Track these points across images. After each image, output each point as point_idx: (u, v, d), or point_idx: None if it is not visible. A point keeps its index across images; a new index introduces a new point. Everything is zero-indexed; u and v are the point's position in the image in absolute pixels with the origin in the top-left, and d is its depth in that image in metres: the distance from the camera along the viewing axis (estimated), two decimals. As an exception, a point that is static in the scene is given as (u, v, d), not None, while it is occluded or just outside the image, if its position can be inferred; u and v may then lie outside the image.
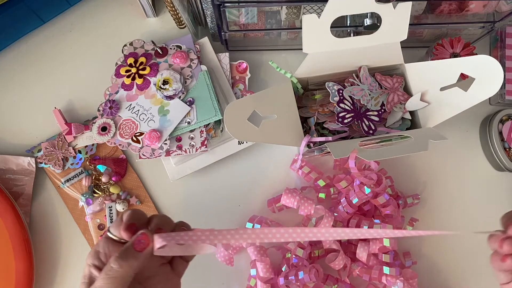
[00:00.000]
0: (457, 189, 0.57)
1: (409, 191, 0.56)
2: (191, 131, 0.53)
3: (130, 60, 0.55)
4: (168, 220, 0.36)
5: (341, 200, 0.49)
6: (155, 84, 0.53)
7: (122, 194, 0.55)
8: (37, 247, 0.54)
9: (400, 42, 0.46)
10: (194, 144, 0.53)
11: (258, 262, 0.47)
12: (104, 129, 0.53)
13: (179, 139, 0.53)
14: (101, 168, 0.55)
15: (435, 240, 0.55)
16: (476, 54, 0.54)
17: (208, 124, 0.53)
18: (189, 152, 0.53)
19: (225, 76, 0.56)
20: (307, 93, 0.49)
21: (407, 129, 0.48)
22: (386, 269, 0.46)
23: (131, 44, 0.56)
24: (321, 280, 0.48)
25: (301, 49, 0.45)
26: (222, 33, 0.54)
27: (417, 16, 0.52)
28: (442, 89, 0.45)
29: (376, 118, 0.46)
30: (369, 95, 0.47)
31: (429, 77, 0.46)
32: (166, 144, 0.52)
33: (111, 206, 0.54)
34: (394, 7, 0.43)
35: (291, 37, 0.58)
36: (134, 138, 0.52)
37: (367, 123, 0.46)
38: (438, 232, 0.33)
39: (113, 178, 0.55)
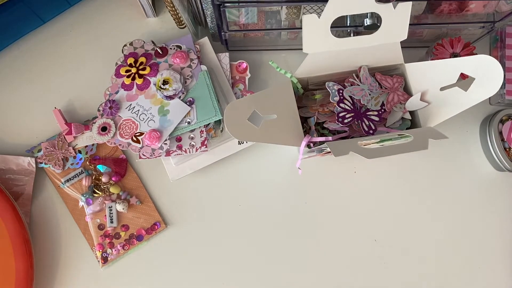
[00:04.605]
0: (457, 189, 0.57)
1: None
2: (191, 131, 0.53)
3: (130, 60, 0.55)
4: None
5: None
6: (155, 84, 0.53)
7: (122, 194, 0.55)
8: (37, 247, 0.54)
9: (400, 42, 0.46)
10: (194, 144, 0.53)
11: None
12: (104, 129, 0.53)
13: (179, 139, 0.53)
14: (101, 168, 0.55)
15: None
16: (476, 54, 0.54)
17: (208, 124, 0.53)
18: (189, 152, 0.52)
19: (225, 76, 0.56)
20: (307, 93, 0.49)
21: (407, 129, 0.48)
22: None
23: (131, 44, 0.56)
24: None
25: (301, 49, 0.45)
26: (222, 33, 0.54)
27: (417, 16, 0.52)
28: (442, 89, 0.45)
29: (376, 118, 0.46)
30: (369, 95, 0.47)
31: (429, 77, 0.46)
32: (166, 144, 0.52)
33: (111, 206, 0.54)
34: (394, 7, 0.43)
35: (291, 37, 0.58)
36: (134, 138, 0.52)
37: (367, 123, 0.46)
38: None
39: (113, 178, 0.55)
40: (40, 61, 0.60)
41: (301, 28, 0.47)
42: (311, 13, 0.48)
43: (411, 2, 0.43)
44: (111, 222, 0.54)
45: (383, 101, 0.47)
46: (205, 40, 0.57)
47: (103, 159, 0.56)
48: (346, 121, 0.45)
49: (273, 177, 0.57)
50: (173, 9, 0.55)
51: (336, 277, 0.54)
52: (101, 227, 0.54)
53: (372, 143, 0.44)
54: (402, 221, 0.56)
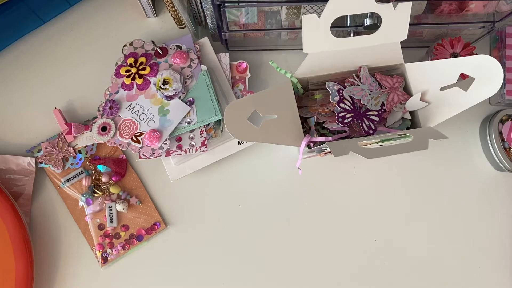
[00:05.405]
0: (457, 189, 0.57)
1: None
2: (191, 131, 0.53)
3: (130, 60, 0.55)
4: None
5: None
6: (155, 84, 0.53)
7: (122, 194, 0.55)
8: (37, 247, 0.54)
9: (400, 42, 0.46)
10: (194, 144, 0.53)
11: None
12: (104, 129, 0.53)
13: (179, 139, 0.53)
14: (101, 168, 0.55)
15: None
16: (476, 54, 0.54)
17: (208, 124, 0.53)
18: (189, 152, 0.52)
19: (225, 76, 0.56)
20: (307, 93, 0.49)
21: (407, 129, 0.48)
22: None
23: (131, 44, 0.56)
24: None
25: (301, 49, 0.45)
26: (222, 33, 0.54)
27: (417, 16, 0.52)
28: (442, 89, 0.45)
29: (376, 118, 0.46)
30: (369, 95, 0.47)
31: (429, 77, 0.46)
32: (166, 144, 0.52)
33: (111, 206, 0.54)
34: (394, 7, 0.43)
35: (291, 37, 0.58)
36: (134, 138, 0.52)
37: (367, 123, 0.46)
38: None
39: (113, 178, 0.55)
40: (40, 61, 0.60)
41: (301, 28, 0.47)
42: (311, 13, 0.48)
43: (411, 2, 0.43)
44: (111, 222, 0.54)
45: (383, 101, 0.47)
46: (205, 40, 0.57)
47: (103, 159, 0.56)
48: (346, 121, 0.45)
49: (273, 177, 0.57)
50: (173, 9, 0.55)
51: (336, 276, 0.54)
52: (101, 227, 0.54)
53: (372, 143, 0.44)
54: (402, 221, 0.56)
